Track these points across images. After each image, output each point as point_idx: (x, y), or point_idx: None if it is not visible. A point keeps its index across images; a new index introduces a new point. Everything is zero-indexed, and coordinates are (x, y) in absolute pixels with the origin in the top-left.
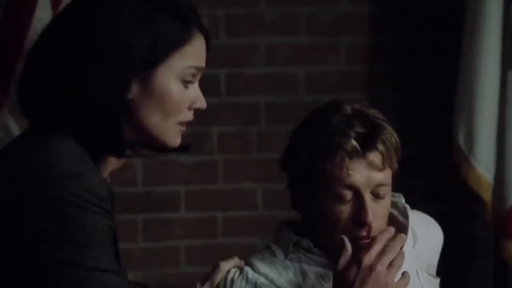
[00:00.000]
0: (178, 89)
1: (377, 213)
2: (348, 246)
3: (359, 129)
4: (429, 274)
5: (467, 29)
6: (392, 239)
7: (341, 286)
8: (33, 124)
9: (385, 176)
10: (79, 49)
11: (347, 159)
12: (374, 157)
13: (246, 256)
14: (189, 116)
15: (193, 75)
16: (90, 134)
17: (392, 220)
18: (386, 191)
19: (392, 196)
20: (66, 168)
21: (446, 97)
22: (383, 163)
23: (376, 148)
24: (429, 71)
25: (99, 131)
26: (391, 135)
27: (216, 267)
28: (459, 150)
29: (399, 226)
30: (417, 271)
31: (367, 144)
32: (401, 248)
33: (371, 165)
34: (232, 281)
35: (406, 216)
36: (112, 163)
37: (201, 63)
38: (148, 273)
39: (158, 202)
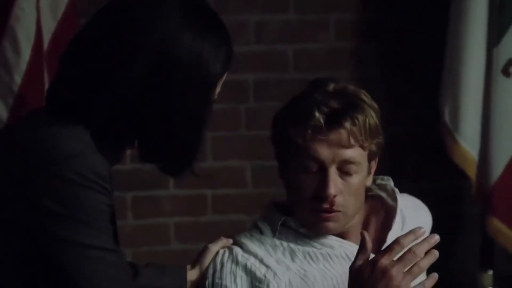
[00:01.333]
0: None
1: (342, 188)
2: (369, 244)
3: (333, 105)
4: None
5: (453, 7)
6: (419, 244)
7: (355, 284)
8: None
9: (353, 154)
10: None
11: (310, 132)
12: (340, 134)
13: (235, 236)
14: None
15: None
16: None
17: (381, 203)
18: (355, 169)
19: (381, 179)
20: (68, 148)
21: (433, 74)
22: (349, 140)
23: (341, 126)
24: (417, 48)
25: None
26: (365, 115)
27: (205, 249)
28: (445, 127)
29: (388, 208)
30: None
31: (333, 120)
32: (426, 259)
33: (336, 141)
34: (222, 263)
35: (394, 199)
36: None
37: None
38: (137, 250)
39: (147, 180)
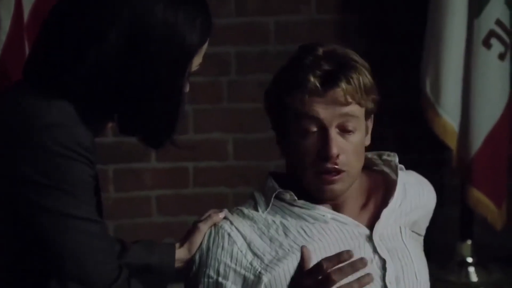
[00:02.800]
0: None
1: (344, 147)
2: (307, 261)
3: (325, 67)
4: (413, 231)
5: None
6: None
7: None
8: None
9: (351, 109)
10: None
11: (307, 96)
12: (336, 93)
13: (229, 211)
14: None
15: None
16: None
17: (384, 178)
18: (355, 125)
19: (388, 155)
20: (52, 118)
21: (415, 46)
22: (345, 98)
23: (337, 85)
24: (399, 20)
25: (153, 120)
26: (358, 74)
27: (194, 227)
28: (426, 99)
29: (391, 185)
30: (400, 227)
31: (329, 81)
32: (356, 283)
33: (334, 101)
34: (208, 248)
35: (397, 174)
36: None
37: None
38: (119, 222)
39: (129, 153)
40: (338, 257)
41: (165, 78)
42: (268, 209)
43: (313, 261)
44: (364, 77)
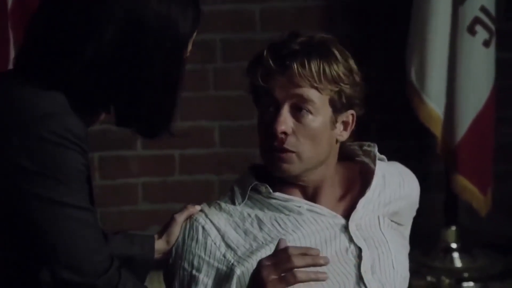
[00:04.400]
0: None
1: (295, 128)
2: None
3: (290, 48)
4: (392, 221)
5: None
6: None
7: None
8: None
9: (306, 92)
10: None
11: (262, 72)
12: (290, 73)
13: (205, 203)
14: None
15: None
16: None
17: (363, 168)
18: (310, 109)
19: (368, 145)
20: (45, 108)
21: (401, 33)
22: (297, 79)
23: (291, 66)
24: (385, 6)
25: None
26: (323, 61)
27: (171, 220)
28: (411, 86)
29: (369, 173)
30: (378, 216)
31: (281, 61)
32: (304, 274)
33: (287, 81)
34: (184, 241)
35: (375, 164)
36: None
37: None
38: (105, 210)
39: (115, 140)
40: (306, 249)
41: (161, 69)
42: (244, 202)
43: None
44: (331, 66)
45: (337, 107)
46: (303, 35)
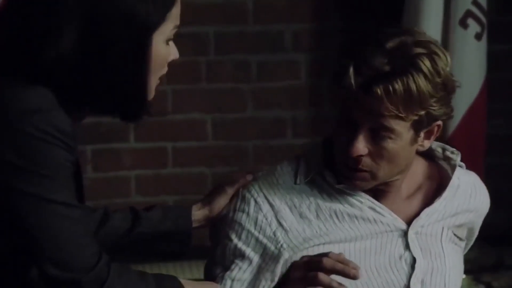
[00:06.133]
0: (164, 50)
1: (372, 150)
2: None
3: (373, 67)
4: (455, 235)
5: None
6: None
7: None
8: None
9: (387, 123)
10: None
11: (343, 92)
12: (371, 100)
13: (260, 173)
14: (166, 69)
15: (174, 33)
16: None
17: (441, 172)
18: (390, 136)
19: (452, 152)
20: (30, 103)
21: (394, 26)
22: (379, 109)
23: (372, 93)
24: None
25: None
26: (408, 83)
27: (221, 190)
28: None
29: (444, 180)
30: (443, 227)
31: (365, 85)
32: (327, 278)
33: (368, 107)
34: (234, 211)
35: (453, 173)
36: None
37: (178, 20)
38: (98, 203)
39: (107, 133)
40: (346, 261)
41: (129, 55)
42: (305, 181)
43: (334, 250)
44: (419, 89)
45: (421, 127)
46: (392, 39)
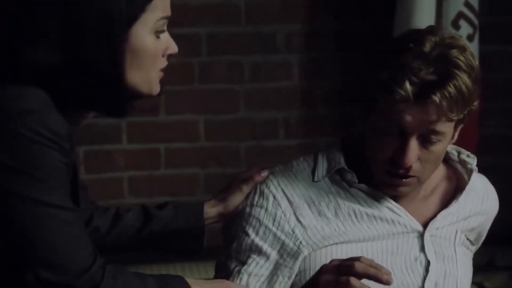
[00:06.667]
0: (152, 42)
1: (421, 156)
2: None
3: (425, 75)
4: (467, 238)
5: None
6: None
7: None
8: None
9: (439, 126)
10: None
11: (398, 102)
12: (427, 107)
13: (277, 169)
14: (165, 62)
15: (163, 24)
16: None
17: (457, 175)
18: (439, 138)
19: (468, 156)
20: (24, 104)
21: (386, 27)
22: (436, 115)
23: (430, 99)
24: (370, 0)
25: (99, 96)
26: (459, 85)
27: (236, 189)
28: None
29: (460, 183)
30: (456, 231)
31: (423, 94)
32: (359, 283)
33: (423, 114)
34: (252, 205)
35: (469, 178)
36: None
37: (168, 11)
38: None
39: (100, 134)
40: (378, 266)
41: (104, 49)
42: (325, 177)
43: (355, 252)
44: (463, 88)
45: (461, 123)
46: (427, 43)
